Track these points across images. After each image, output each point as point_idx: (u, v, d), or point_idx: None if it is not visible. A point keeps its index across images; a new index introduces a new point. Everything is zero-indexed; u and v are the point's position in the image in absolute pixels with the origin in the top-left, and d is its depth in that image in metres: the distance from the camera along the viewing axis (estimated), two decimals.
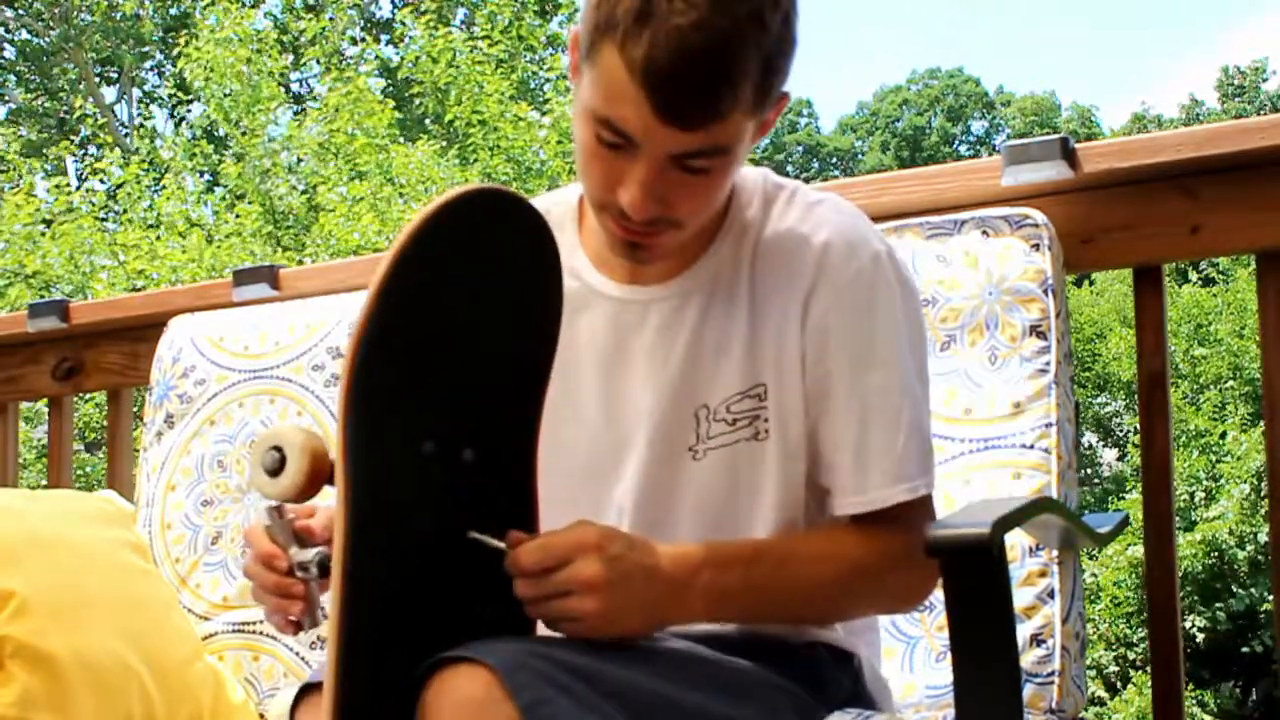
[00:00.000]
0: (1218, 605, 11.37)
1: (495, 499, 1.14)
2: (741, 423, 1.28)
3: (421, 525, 1.10)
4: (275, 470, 1.12)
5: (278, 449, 1.12)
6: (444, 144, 12.30)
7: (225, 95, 11.53)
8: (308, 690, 1.21)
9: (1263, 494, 10.93)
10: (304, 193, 11.23)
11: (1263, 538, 10.85)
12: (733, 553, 1.19)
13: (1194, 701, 11.12)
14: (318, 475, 1.11)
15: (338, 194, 10.59)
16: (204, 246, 10.54)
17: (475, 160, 11.56)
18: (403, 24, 12.88)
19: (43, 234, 11.10)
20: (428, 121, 13.11)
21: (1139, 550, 10.89)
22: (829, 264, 1.26)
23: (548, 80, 13.37)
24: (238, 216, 11.00)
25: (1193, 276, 16.61)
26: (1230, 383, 13.32)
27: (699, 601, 1.16)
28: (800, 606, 1.23)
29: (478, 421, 1.14)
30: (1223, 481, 11.70)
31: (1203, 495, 11.81)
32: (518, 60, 13.14)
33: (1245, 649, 11.45)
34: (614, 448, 1.31)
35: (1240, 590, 11.33)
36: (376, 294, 1.05)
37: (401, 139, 11.77)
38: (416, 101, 12.82)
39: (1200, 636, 11.37)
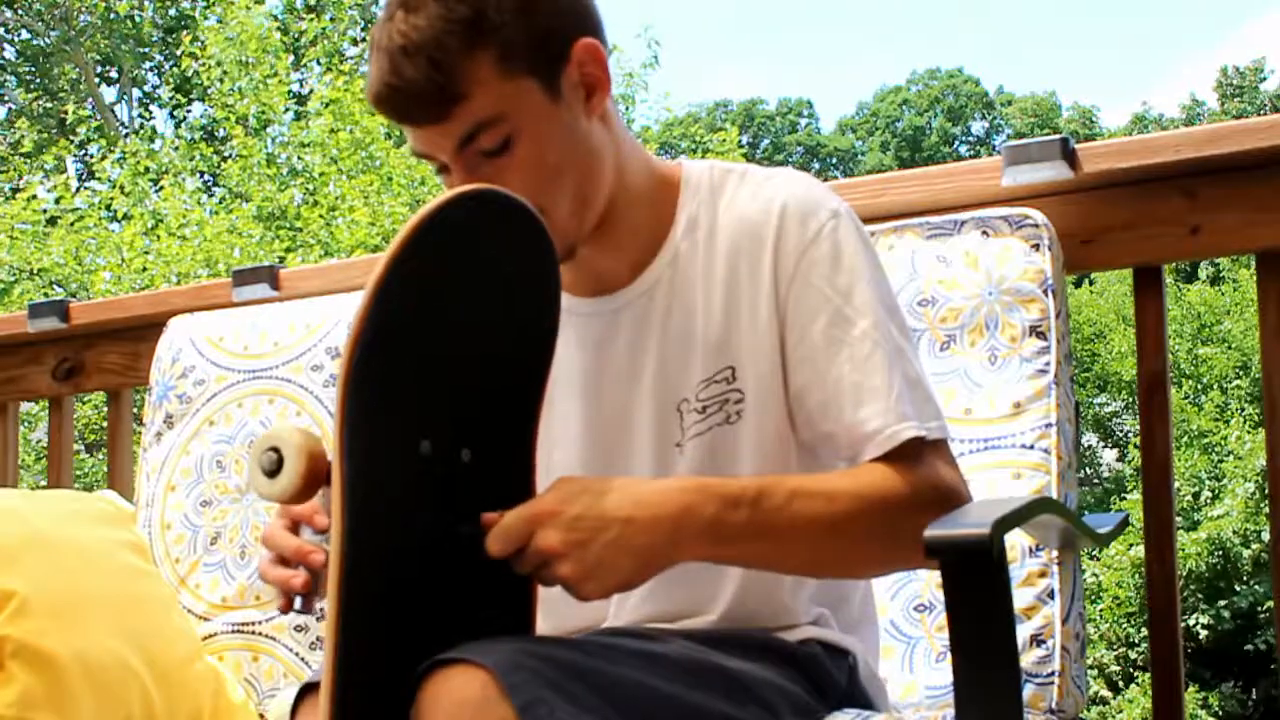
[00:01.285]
0: (1221, 604, 11.37)
1: (493, 499, 1.13)
2: (712, 409, 1.28)
3: (419, 525, 1.10)
4: (273, 471, 1.11)
5: (275, 450, 1.11)
6: None
7: (230, 93, 11.55)
8: (308, 690, 1.20)
9: (1267, 492, 10.92)
10: (308, 191, 11.23)
11: (1267, 536, 10.85)
12: (739, 489, 1.16)
13: (1198, 703, 11.12)
14: (315, 476, 1.11)
15: (330, 193, 10.60)
16: (202, 246, 10.55)
17: None
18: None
19: (46, 234, 11.11)
20: None
21: (1141, 550, 10.87)
22: (788, 227, 1.26)
23: None
24: (237, 219, 11.00)
25: (1201, 275, 16.59)
26: (1235, 382, 13.32)
27: (701, 538, 1.13)
28: (812, 547, 1.18)
29: (475, 422, 1.14)
30: (1226, 481, 11.71)
31: (1208, 495, 11.81)
32: None
33: (1248, 646, 11.46)
34: (609, 460, 1.31)
35: (1243, 588, 11.34)
36: (373, 294, 1.05)
37: (394, 137, 11.77)
38: None
39: (1204, 634, 11.37)
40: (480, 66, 1.17)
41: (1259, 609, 11.27)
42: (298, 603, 1.16)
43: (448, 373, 1.11)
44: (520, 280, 1.17)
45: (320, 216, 10.54)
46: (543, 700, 1.01)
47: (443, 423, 1.11)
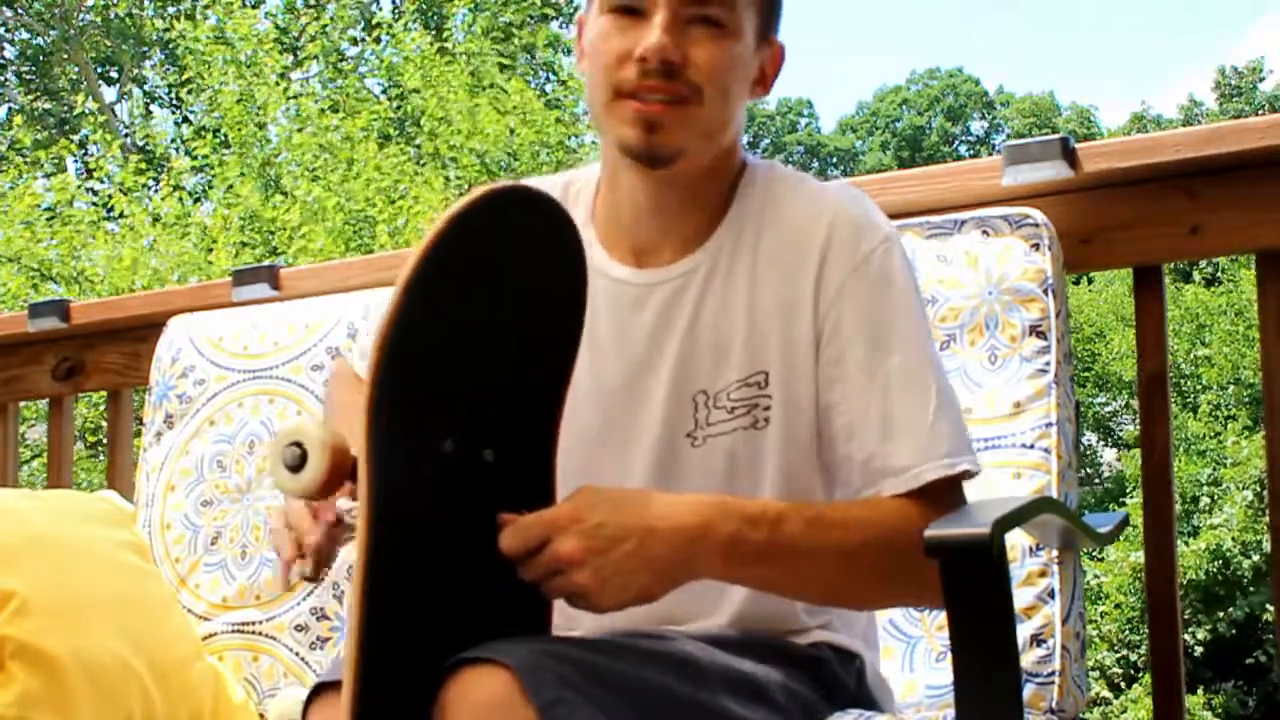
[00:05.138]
0: (1219, 615, 11.34)
1: (515, 498, 1.14)
2: (740, 411, 1.28)
3: (442, 524, 1.10)
4: (296, 466, 1.11)
5: (299, 444, 1.11)
6: (420, 146, 12.32)
7: (225, 93, 11.57)
8: (321, 689, 1.20)
9: (1266, 498, 10.88)
10: (290, 194, 11.24)
11: (1268, 546, 10.81)
12: (759, 510, 1.16)
13: (1200, 704, 11.11)
14: (339, 471, 1.11)
15: (320, 195, 10.60)
16: (199, 246, 10.55)
17: (453, 162, 11.57)
18: (379, 26, 12.89)
19: (46, 224, 11.10)
20: (407, 125, 13.12)
21: (1141, 555, 10.86)
22: (838, 246, 1.26)
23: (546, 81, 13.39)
24: (234, 216, 11.00)
25: (1196, 276, 16.58)
26: (1231, 386, 13.29)
27: (719, 555, 1.13)
28: (825, 576, 1.19)
29: (498, 421, 1.14)
30: (1225, 486, 11.67)
31: (1207, 501, 11.77)
32: (488, 58, 13.15)
33: (1249, 660, 11.43)
34: (617, 431, 1.31)
35: (1241, 598, 11.30)
36: (403, 293, 1.05)
37: (386, 139, 11.79)
38: (398, 105, 12.86)
39: (1199, 651, 11.34)
40: None
41: (1258, 619, 11.23)
42: (293, 573, 1.17)
43: (473, 372, 1.11)
44: (547, 279, 1.17)
45: (299, 219, 10.54)
46: (563, 700, 1.01)
47: (467, 422, 1.11)
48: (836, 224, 1.27)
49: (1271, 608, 10.96)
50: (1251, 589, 11.24)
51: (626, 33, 1.23)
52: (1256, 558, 11.06)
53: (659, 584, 1.12)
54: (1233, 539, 11.23)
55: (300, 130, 11.27)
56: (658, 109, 1.23)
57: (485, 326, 1.12)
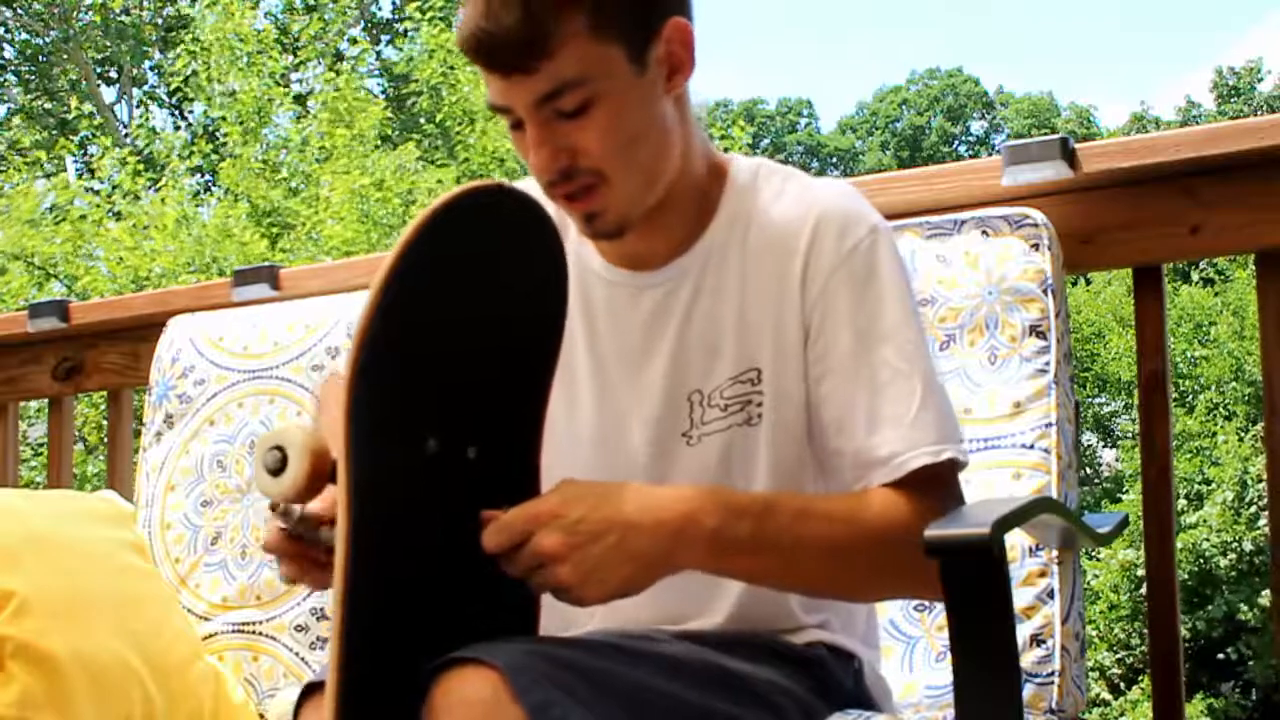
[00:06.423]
0: (1199, 614, 11.34)
1: (498, 496, 1.14)
2: (733, 408, 1.27)
3: (425, 523, 1.10)
4: (277, 470, 1.11)
5: (279, 448, 1.11)
6: (437, 143, 12.31)
7: (225, 94, 11.57)
8: (312, 690, 1.20)
9: (1246, 500, 10.94)
10: (295, 191, 11.23)
11: (1247, 546, 10.86)
12: (746, 502, 1.16)
13: (1204, 711, 11.11)
14: (320, 474, 1.11)
15: (324, 194, 10.61)
16: (197, 245, 10.55)
17: (465, 159, 11.57)
18: (404, 20, 12.88)
19: (44, 223, 11.11)
20: (422, 120, 13.10)
21: (1130, 554, 10.91)
22: (823, 238, 1.26)
23: None
24: (231, 215, 11.01)
25: (1194, 277, 16.59)
26: (1229, 385, 13.30)
27: (702, 548, 1.13)
28: (813, 568, 1.18)
29: (481, 419, 1.14)
30: (1213, 485, 11.68)
31: (1185, 503, 11.77)
32: None
33: (1219, 655, 11.43)
34: (609, 433, 1.31)
35: (1221, 598, 11.29)
36: (378, 293, 1.05)
37: (392, 138, 11.80)
38: (411, 101, 12.84)
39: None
40: (572, 25, 1.16)
41: (1235, 618, 11.21)
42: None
43: (455, 370, 1.11)
44: (528, 277, 1.17)
45: (315, 213, 10.55)
46: (553, 702, 1.01)
47: (449, 420, 1.11)
48: (823, 218, 1.26)
49: (1247, 607, 10.98)
50: (1232, 588, 11.24)
51: (521, 140, 1.23)
52: (1233, 556, 11.06)
53: (642, 577, 1.12)
54: (1213, 539, 11.22)
55: (303, 131, 11.29)
56: (581, 205, 1.23)
57: (465, 324, 1.12)
